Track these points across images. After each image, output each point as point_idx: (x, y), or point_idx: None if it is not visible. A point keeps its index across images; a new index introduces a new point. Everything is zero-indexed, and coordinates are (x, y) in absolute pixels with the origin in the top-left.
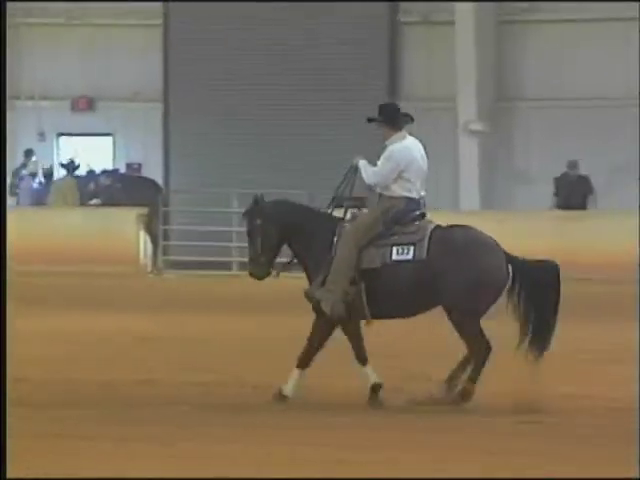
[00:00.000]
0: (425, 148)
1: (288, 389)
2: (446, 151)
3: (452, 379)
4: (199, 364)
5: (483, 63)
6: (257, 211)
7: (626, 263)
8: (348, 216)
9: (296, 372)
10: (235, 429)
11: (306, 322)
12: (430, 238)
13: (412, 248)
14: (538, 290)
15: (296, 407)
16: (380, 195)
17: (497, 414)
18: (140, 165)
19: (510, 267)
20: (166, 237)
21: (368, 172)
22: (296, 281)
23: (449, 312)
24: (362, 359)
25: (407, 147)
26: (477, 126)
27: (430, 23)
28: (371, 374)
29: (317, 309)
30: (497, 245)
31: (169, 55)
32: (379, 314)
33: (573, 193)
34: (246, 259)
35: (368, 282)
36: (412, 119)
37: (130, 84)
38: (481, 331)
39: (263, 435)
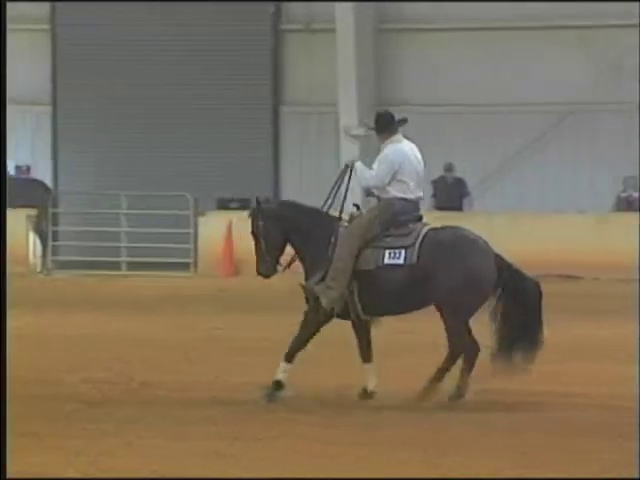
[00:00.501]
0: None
1: (281, 377)
2: (328, 155)
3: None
4: (87, 362)
5: (363, 70)
6: (260, 212)
7: None
8: (346, 215)
9: (283, 365)
10: (123, 425)
11: (191, 320)
12: (422, 242)
13: (403, 252)
14: (521, 296)
15: (187, 403)
16: (378, 198)
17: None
18: (29, 167)
19: (496, 268)
20: (55, 238)
21: (365, 175)
22: (179, 281)
23: (441, 312)
24: (366, 357)
25: (400, 149)
26: (358, 130)
27: (312, 31)
28: (370, 376)
29: (312, 305)
30: (487, 246)
31: (57, 58)
32: (371, 312)
33: (450, 195)
34: (135, 259)
35: (361, 283)
36: (406, 121)
37: (18, 87)
38: (468, 331)
39: (151, 429)
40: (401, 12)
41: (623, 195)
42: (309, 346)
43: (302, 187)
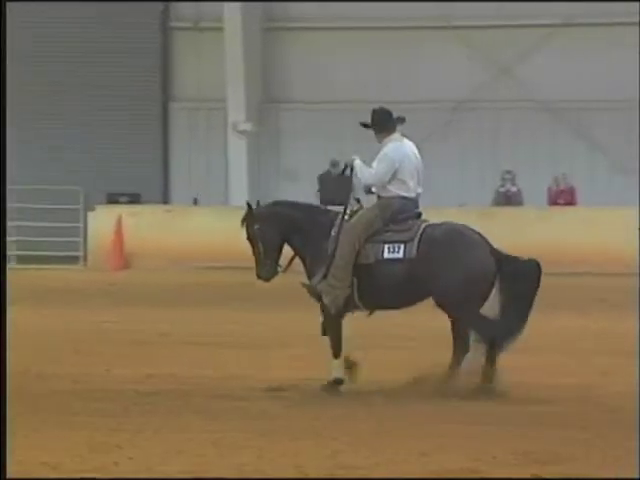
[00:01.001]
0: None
1: (339, 373)
2: (217, 150)
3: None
4: None
5: (250, 67)
6: (253, 216)
7: None
8: (347, 211)
9: (335, 362)
10: (18, 417)
11: (81, 313)
12: (421, 236)
13: (402, 247)
14: (516, 284)
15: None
16: (378, 196)
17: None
18: None
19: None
20: None
21: (365, 173)
22: (69, 274)
23: (443, 308)
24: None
25: (400, 147)
26: (245, 126)
27: (200, 29)
28: (337, 369)
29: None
30: (483, 239)
31: None
32: (370, 306)
33: (335, 190)
34: (25, 253)
35: (361, 276)
36: (404, 120)
37: None
38: (482, 316)
39: (47, 421)
40: (288, 11)
41: (502, 190)
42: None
43: (191, 182)
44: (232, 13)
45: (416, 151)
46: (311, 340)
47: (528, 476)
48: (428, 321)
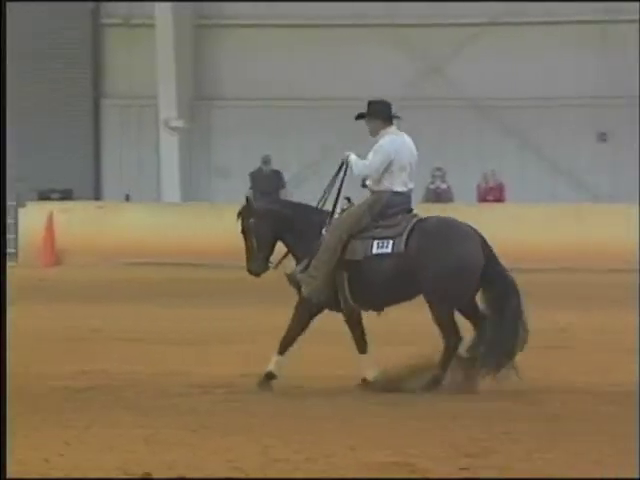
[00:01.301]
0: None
1: (272, 368)
2: (148, 146)
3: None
4: None
5: (182, 64)
6: (250, 210)
7: None
8: (338, 209)
9: (275, 358)
10: None
11: (11, 309)
12: (410, 231)
13: (391, 242)
14: (501, 293)
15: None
16: (371, 192)
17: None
18: None
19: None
20: None
21: (359, 165)
22: None
23: (428, 300)
24: (361, 349)
25: (396, 140)
26: (177, 123)
27: (131, 25)
28: (367, 367)
29: (300, 296)
30: (474, 233)
31: None
32: (361, 302)
33: (267, 187)
34: None
35: (351, 273)
36: (398, 117)
37: None
38: (454, 321)
39: None
40: (220, 9)
41: (432, 187)
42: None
43: (123, 178)
44: (163, 10)
45: (412, 146)
46: (248, 336)
47: (457, 469)
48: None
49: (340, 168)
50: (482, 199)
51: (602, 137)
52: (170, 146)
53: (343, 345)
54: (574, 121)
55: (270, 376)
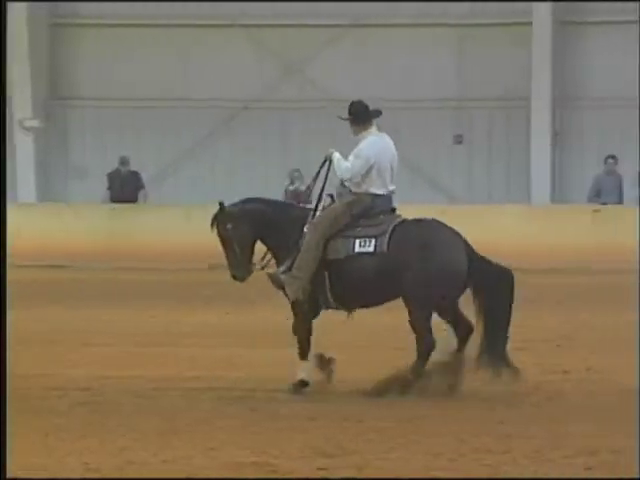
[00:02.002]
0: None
1: (305, 375)
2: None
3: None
4: None
5: (37, 63)
6: (225, 215)
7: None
8: (320, 207)
9: (301, 364)
10: None
11: None
12: (392, 231)
13: (373, 241)
14: (491, 293)
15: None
16: (351, 191)
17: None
18: None
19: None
20: None
21: (341, 167)
22: None
23: (406, 303)
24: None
25: (376, 142)
26: (32, 123)
27: None
28: (305, 371)
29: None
30: (458, 239)
31: None
32: (343, 304)
33: (125, 188)
34: None
35: (332, 272)
36: (380, 113)
37: None
38: (429, 326)
39: None
40: (76, 8)
41: (291, 188)
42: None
43: None
44: (18, 9)
45: (393, 146)
46: (106, 338)
47: (315, 469)
48: (205, 319)
49: (323, 165)
50: None
51: (458, 139)
52: (25, 146)
53: (198, 346)
54: (431, 123)
55: (303, 384)
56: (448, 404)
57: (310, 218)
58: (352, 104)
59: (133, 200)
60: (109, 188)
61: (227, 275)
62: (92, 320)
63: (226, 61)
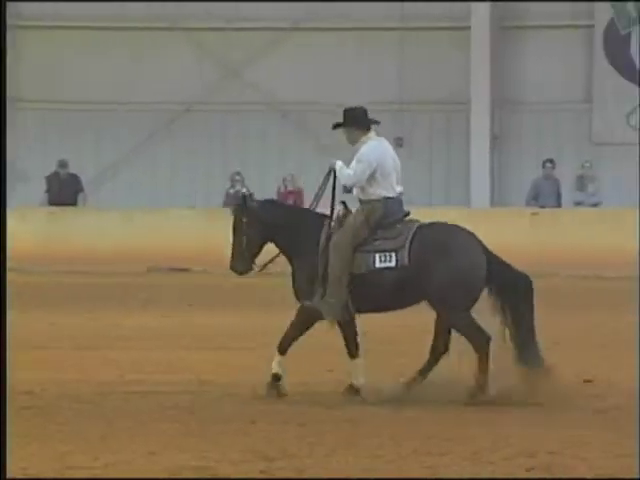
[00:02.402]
0: None
1: (277, 369)
2: None
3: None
4: None
5: None
6: (244, 210)
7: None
8: (334, 214)
9: (278, 357)
10: None
11: None
12: (411, 242)
13: (394, 255)
14: (513, 296)
15: None
16: (360, 201)
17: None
18: None
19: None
20: None
21: (343, 174)
22: None
23: (439, 311)
24: (353, 354)
25: (376, 147)
26: None
27: None
28: (356, 373)
29: (307, 312)
30: (477, 243)
31: None
32: (363, 310)
33: (64, 191)
34: None
35: (353, 286)
36: (378, 122)
37: None
38: (475, 322)
39: None
40: (19, 9)
41: (231, 191)
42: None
43: None
44: None
45: (392, 150)
46: (49, 342)
47: (257, 472)
48: (144, 322)
49: (328, 175)
50: None
51: (399, 142)
52: None
53: (138, 349)
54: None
55: (277, 378)
56: (387, 406)
57: (326, 228)
58: (350, 110)
59: (72, 203)
60: (47, 191)
61: (166, 278)
62: (32, 323)
63: (166, 64)
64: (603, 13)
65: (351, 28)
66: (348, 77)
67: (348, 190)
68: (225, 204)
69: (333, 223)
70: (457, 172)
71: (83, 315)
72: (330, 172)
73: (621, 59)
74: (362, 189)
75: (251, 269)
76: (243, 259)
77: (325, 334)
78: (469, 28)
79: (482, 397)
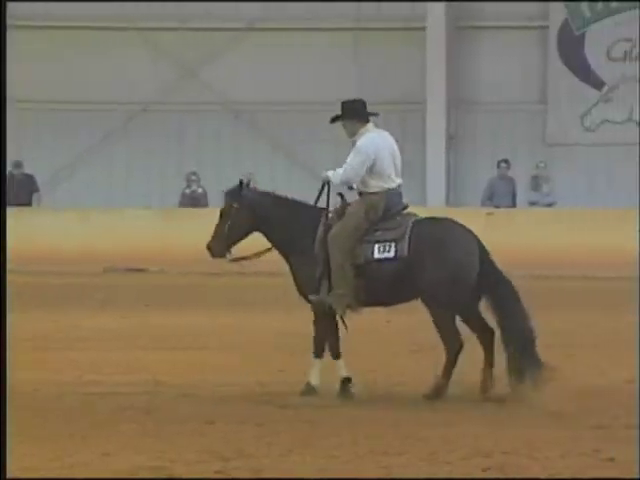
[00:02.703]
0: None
1: (314, 379)
2: None
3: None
4: None
5: None
6: (238, 195)
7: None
8: (330, 210)
9: (316, 361)
10: None
11: None
12: (411, 234)
13: (393, 245)
14: (500, 299)
15: None
16: (360, 193)
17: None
18: None
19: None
20: None
21: (338, 173)
22: None
23: (427, 306)
24: (335, 353)
25: (375, 138)
26: None
27: None
28: (341, 368)
29: (318, 310)
30: (473, 239)
31: None
32: (362, 304)
33: (19, 191)
34: None
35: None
36: (377, 114)
37: None
38: (454, 326)
39: None
40: None
41: (187, 191)
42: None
43: None
44: None
45: (392, 141)
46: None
47: (213, 472)
48: (102, 323)
49: (322, 189)
50: None
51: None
52: None
53: (96, 350)
54: (328, 126)
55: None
56: (344, 406)
57: (323, 221)
58: (349, 102)
59: (27, 203)
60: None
61: (122, 278)
62: None
63: (123, 64)
64: (557, 14)
65: (306, 28)
66: (303, 77)
67: (350, 187)
68: (181, 204)
69: (331, 215)
70: (413, 172)
71: (40, 316)
72: (324, 186)
73: (575, 60)
74: (362, 181)
75: (225, 254)
76: (222, 243)
77: (275, 336)
78: (424, 28)
79: (437, 399)
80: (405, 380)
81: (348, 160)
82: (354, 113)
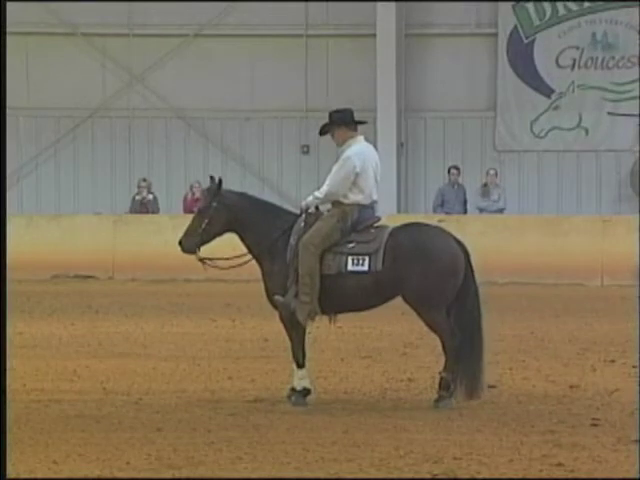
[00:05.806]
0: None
1: (304, 383)
2: None
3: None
4: None
5: None
6: (218, 194)
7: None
8: (304, 216)
9: (299, 372)
10: None
11: None
12: (385, 247)
13: (367, 259)
14: (463, 304)
15: None
16: (332, 203)
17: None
18: None
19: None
20: None
21: (322, 193)
22: None
23: (418, 309)
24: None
25: (362, 151)
26: None
27: None
28: (302, 379)
29: (283, 316)
30: (454, 241)
31: None
32: (331, 312)
33: None
34: None
35: (323, 286)
36: (365, 122)
37: None
38: (449, 323)
39: None
40: None
41: (138, 197)
42: None
43: None
44: None
45: (376, 156)
46: None
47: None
48: (50, 330)
49: (300, 216)
50: (189, 210)
51: (304, 149)
52: None
53: (43, 358)
54: (278, 133)
55: (306, 392)
56: (294, 413)
57: (296, 228)
58: (338, 111)
59: None
60: None
61: (71, 285)
62: None
63: (69, 70)
64: (507, 21)
65: (256, 35)
66: (252, 85)
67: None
68: (132, 210)
69: (304, 222)
70: None
71: None
72: (300, 214)
73: (525, 67)
74: (343, 195)
75: (195, 251)
76: (193, 240)
77: (223, 343)
78: (374, 36)
79: (451, 396)
80: (355, 386)
81: (332, 172)
82: (344, 121)
